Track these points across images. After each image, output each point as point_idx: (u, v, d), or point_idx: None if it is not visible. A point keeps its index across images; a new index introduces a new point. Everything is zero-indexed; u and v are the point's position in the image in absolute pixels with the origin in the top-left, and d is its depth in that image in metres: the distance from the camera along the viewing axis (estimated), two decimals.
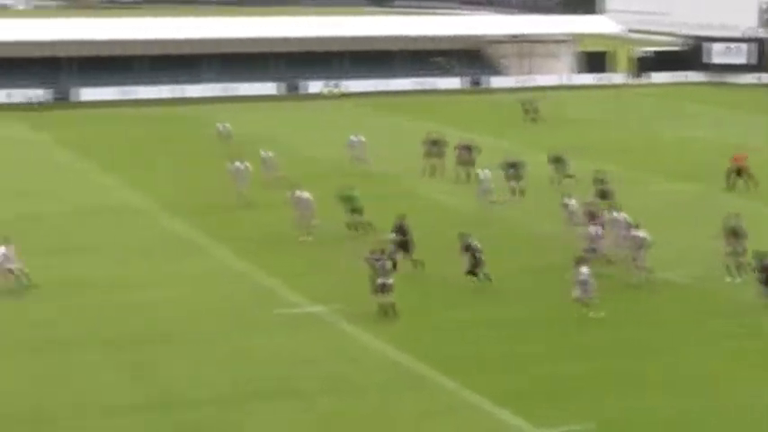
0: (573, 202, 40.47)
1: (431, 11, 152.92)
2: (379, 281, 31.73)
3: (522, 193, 48.41)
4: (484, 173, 47.50)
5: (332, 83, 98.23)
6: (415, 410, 25.28)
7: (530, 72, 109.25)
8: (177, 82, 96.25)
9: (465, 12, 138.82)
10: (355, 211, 41.55)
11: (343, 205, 41.87)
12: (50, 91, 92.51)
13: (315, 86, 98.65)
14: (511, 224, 43.88)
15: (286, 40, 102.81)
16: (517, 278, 35.74)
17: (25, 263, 35.01)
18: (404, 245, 35.58)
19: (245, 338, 30.42)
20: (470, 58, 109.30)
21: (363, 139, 57.53)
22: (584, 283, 31.57)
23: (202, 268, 37.87)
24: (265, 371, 27.85)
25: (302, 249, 39.96)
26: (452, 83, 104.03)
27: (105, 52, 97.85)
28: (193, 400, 25.86)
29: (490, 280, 34.38)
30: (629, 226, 35.75)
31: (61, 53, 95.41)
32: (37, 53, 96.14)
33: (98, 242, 41.87)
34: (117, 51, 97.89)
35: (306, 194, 41.66)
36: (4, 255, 34.77)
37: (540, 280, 35.73)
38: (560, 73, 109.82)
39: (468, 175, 52.07)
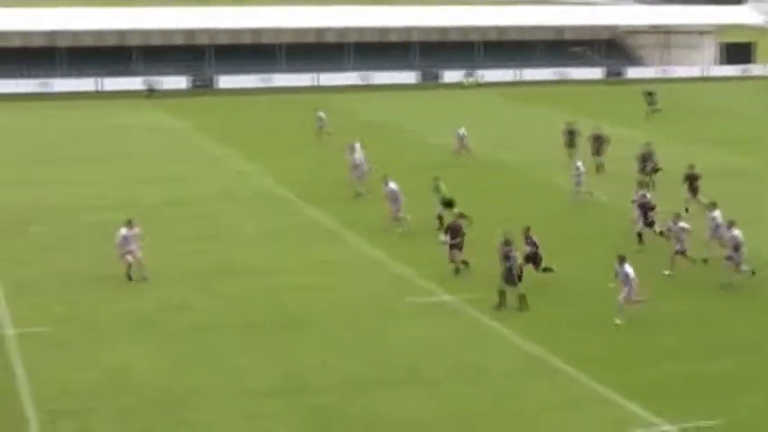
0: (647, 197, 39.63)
1: (570, 0, 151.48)
2: (512, 271, 31.72)
3: (653, 186, 47.80)
4: (578, 164, 47.17)
5: (469, 72, 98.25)
6: (543, 401, 25.27)
7: (669, 63, 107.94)
8: (315, 70, 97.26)
9: (604, 1, 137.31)
10: (446, 204, 41.27)
11: (435, 197, 41.82)
12: (191, 78, 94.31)
13: (452, 76, 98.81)
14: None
15: (424, 30, 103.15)
16: (649, 275, 35.33)
17: (144, 251, 35.24)
18: (457, 245, 35.33)
19: (378, 326, 30.69)
20: (609, 48, 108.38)
21: (465, 132, 56.98)
22: (626, 283, 30.69)
23: (338, 255, 38.27)
24: (396, 358, 28.07)
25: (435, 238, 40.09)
26: (590, 73, 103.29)
27: (246, 40, 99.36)
28: (324, 386, 26.20)
29: (551, 269, 33.98)
30: (729, 225, 34.37)
31: (203, 41, 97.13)
32: (180, 41, 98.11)
33: (236, 228, 42.61)
34: (257, 39, 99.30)
35: (392, 186, 41.61)
36: (125, 237, 34.78)
37: (671, 276, 35.28)
38: (701, 64, 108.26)
39: (598, 167, 51.95)
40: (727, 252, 33.86)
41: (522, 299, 31.70)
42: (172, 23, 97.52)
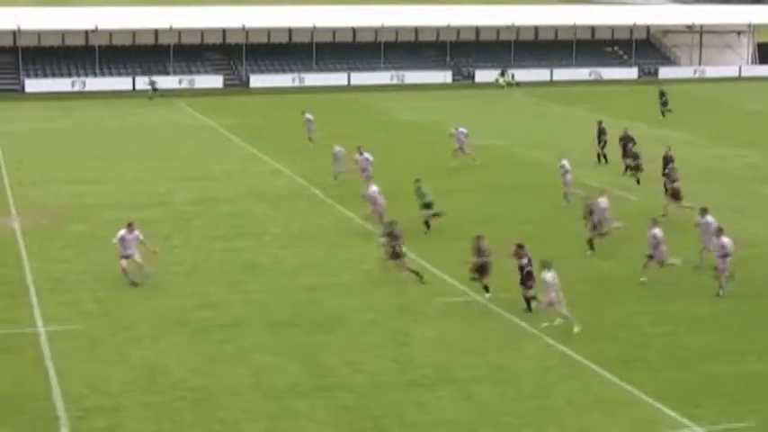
0: (604, 200, 39.00)
1: (605, 0, 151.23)
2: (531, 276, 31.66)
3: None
4: (563, 162, 46.92)
5: (502, 72, 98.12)
6: (572, 401, 25.24)
7: (704, 63, 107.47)
8: (348, 69, 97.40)
9: (639, 1, 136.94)
10: (426, 206, 41.30)
11: (416, 199, 41.67)
12: (225, 77, 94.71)
13: (485, 75, 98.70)
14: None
15: (458, 29, 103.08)
16: (678, 273, 35.22)
17: (144, 256, 34.75)
18: (394, 250, 34.83)
19: (408, 326, 30.71)
20: (643, 48, 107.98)
21: (465, 130, 55.97)
22: (548, 289, 30.06)
23: (369, 255, 38.24)
24: (425, 358, 28.11)
25: (467, 238, 40.09)
26: (624, 73, 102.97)
27: (280, 40, 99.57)
28: (352, 385, 26.27)
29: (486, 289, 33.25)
30: (719, 232, 33.52)
31: (237, 40, 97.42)
32: (214, 40, 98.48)
33: (267, 226, 42.75)
34: (291, 39, 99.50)
35: (374, 188, 41.38)
36: (122, 239, 34.31)
37: (698, 276, 35.13)
38: (737, 64, 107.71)
39: (627, 167, 51.62)
40: (717, 262, 33.23)
41: (529, 301, 31.66)
42: (206, 23, 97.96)
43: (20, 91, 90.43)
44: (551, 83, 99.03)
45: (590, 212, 38.46)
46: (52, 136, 66.71)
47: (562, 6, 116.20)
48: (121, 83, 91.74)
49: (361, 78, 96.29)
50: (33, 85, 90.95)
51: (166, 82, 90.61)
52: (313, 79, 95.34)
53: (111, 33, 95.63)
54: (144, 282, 34.46)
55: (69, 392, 25.72)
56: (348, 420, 24.31)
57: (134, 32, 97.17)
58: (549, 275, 29.91)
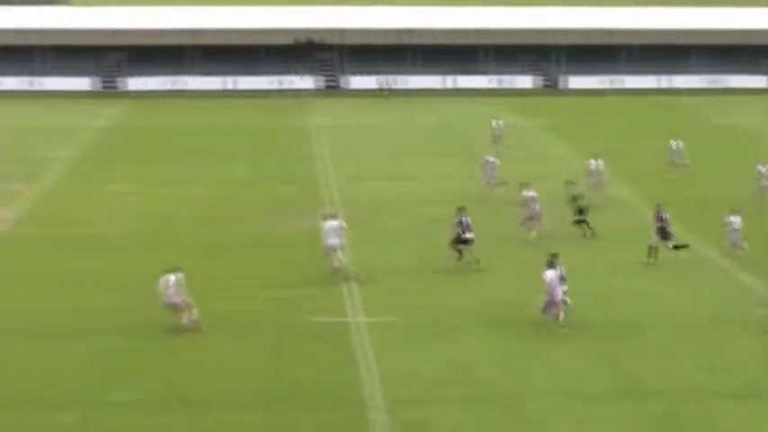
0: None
1: None
2: None
3: None
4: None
5: None
6: None
7: None
8: (662, 72, 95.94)
9: None
10: (581, 211, 40.98)
11: (570, 205, 41.32)
12: (538, 77, 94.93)
13: None
14: None
15: None
16: None
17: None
18: (465, 241, 35.98)
19: (720, 335, 29.99)
20: None
21: (681, 144, 53.33)
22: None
23: (682, 260, 37.33)
24: (735, 369, 27.39)
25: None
26: None
27: (595, 41, 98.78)
28: (659, 392, 25.87)
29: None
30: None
31: (552, 41, 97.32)
32: (528, 41, 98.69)
33: (568, 227, 41.95)
34: (604, 40, 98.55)
35: (532, 193, 40.90)
36: (328, 228, 34.94)
37: None
38: None
39: None
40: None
41: None
42: (521, 23, 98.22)
43: (340, 87, 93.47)
44: None
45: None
46: (369, 135, 68.03)
47: None
48: (433, 81, 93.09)
49: (677, 81, 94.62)
50: (353, 82, 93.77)
51: (481, 82, 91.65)
52: (628, 81, 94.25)
53: (428, 33, 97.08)
54: (357, 278, 34.94)
55: (382, 383, 26.44)
56: (657, 428, 23.92)
57: (449, 32, 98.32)
58: (547, 274, 30.07)
